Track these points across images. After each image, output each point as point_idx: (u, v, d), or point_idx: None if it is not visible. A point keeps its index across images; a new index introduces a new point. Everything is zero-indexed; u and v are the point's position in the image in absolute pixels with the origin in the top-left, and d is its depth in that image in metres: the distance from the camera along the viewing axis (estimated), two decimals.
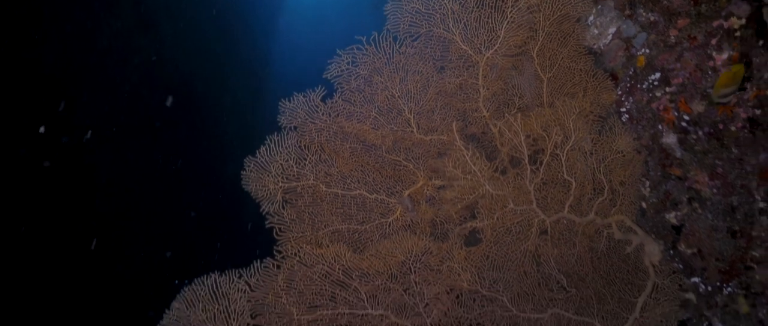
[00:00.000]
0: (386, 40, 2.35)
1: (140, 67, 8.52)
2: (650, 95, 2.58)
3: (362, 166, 2.55)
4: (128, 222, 7.89)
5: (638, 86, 2.63)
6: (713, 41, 2.26)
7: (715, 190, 2.51)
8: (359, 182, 2.54)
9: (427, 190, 2.70)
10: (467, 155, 2.38)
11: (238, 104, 12.29)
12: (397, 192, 2.63)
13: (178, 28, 9.49)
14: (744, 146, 2.29)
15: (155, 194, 8.65)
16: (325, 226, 2.44)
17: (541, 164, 2.53)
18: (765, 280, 2.34)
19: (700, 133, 2.43)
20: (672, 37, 2.42)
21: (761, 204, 2.32)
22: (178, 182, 9.47)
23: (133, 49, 8.43)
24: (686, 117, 2.45)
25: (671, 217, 2.75)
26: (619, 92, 2.72)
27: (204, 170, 10.34)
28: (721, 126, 2.34)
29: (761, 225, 2.34)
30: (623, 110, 2.73)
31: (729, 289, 2.56)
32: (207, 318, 2.12)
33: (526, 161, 2.49)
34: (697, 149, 2.50)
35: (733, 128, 2.31)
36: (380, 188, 2.58)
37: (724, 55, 2.25)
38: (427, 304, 2.45)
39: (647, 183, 2.78)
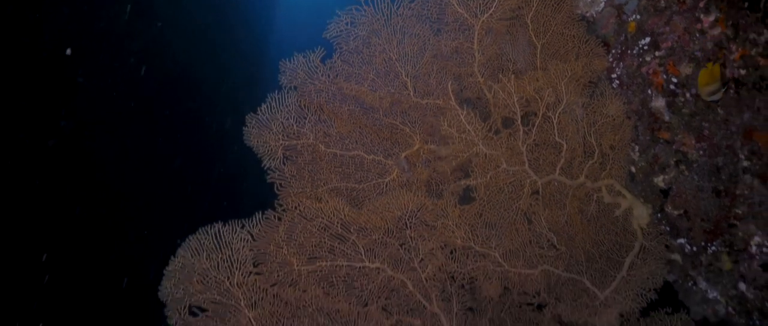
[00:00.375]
0: (384, 1, 2.42)
1: (138, 53, 8.54)
2: (640, 59, 2.66)
3: (360, 128, 2.62)
4: (123, 210, 7.90)
5: (629, 51, 2.71)
6: (701, 4, 2.34)
7: (701, 152, 2.59)
8: (357, 143, 2.62)
9: (423, 153, 2.78)
10: (462, 114, 2.46)
11: (235, 92, 12.29)
12: (394, 154, 2.71)
13: (175, 15, 9.51)
14: (729, 106, 2.38)
15: (151, 182, 8.66)
16: (324, 184, 2.52)
17: (533, 126, 2.61)
18: (747, 235, 2.44)
19: (688, 95, 2.52)
20: (662, 1, 2.50)
21: (745, 163, 2.41)
22: (174, 169, 9.50)
23: (131, 34, 8.44)
24: (674, 80, 2.53)
25: (659, 180, 2.84)
26: (611, 59, 2.81)
27: (200, 158, 10.37)
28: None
29: (744, 183, 2.43)
30: (614, 76, 2.81)
31: (713, 248, 2.65)
32: (211, 266, 2.20)
33: (519, 122, 2.58)
34: (685, 112, 2.58)
35: None
36: (377, 150, 2.65)
37: (712, 17, 2.33)
38: (421, 259, 2.53)
39: (636, 148, 2.87)
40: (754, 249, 2.43)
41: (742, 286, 2.50)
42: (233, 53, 12.54)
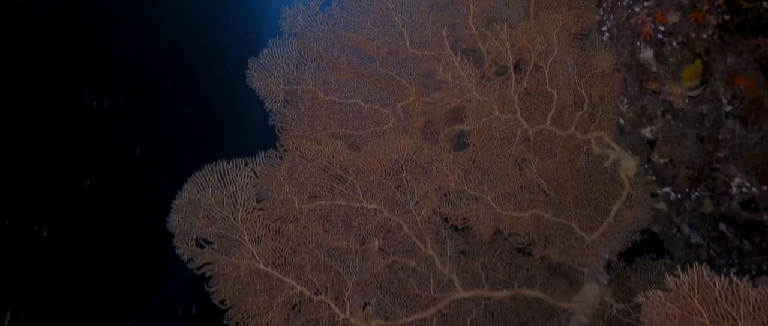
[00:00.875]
0: None
1: (132, 30, 8.54)
2: (629, 11, 2.75)
3: (358, 77, 2.72)
4: (115, 189, 7.95)
5: (619, 3, 2.80)
6: None
7: (686, 100, 2.69)
8: (355, 92, 2.72)
9: (419, 105, 2.88)
10: (456, 60, 2.55)
11: (230, 75, 12.19)
12: (390, 104, 2.81)
13: None
14: (714, 52, 2.47)
15: (145, 162, 8.67)
16: (323, 129, 2.62)
17: (524, 74, 2.71)
18: (727, 178, 2.55)
19: (675, 43, 2.61)
20: None
21: (727, 108, 2.51)
22: (167, 151, 9.51)
23: (126, 10, 8.43)
24: (662, 28, 2.62)
25: (646, 131, 2.95)
26: (602, 12, 2.89)
27: (193, 140, 10.36)
28: (693, 35, 2.52)
29: (727, 128, 2.53)
30: (605, 28, 2.90)
31: (696, 194, 2.77)
32: (216, 202, 2.31)
33: (511, 70, 2.67)
34: (672, 61, 2.68)
35: (704, 37, 2.49)
36: (375, 99, 2.75)
37: None
38: (417, 202, 2.65)
39: (625, 100, 2.97)
40: (734, 190, 2.54)
41: (723, 226, 2.63)
42: (227, 35, 12.47)
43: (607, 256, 3.08)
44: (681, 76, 2.66)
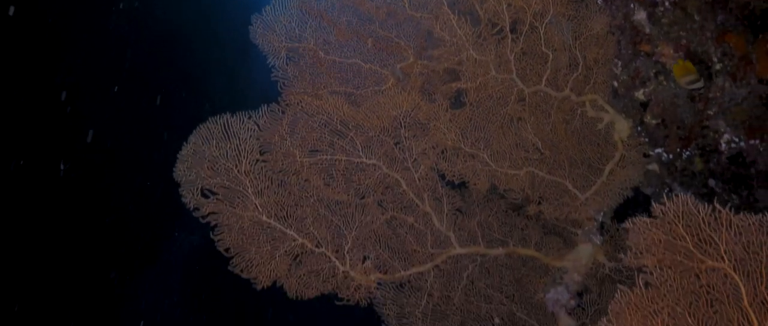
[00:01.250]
0: None
1: (125, 13, 8.51)
2: None
3: (358, 37, 2.78)
4: (112, 170, 7.98)
5: None
6: None
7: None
8: (355, 52, 2.78)
9: (417, 67, 2.94)
10: (453, 19, 2.61)
11: (226, 58, 12.17)
12: (389, 65, 2.87)
13: None
14: (704, 11, 2.54)
15: (141, 143, 8.66)
16: (324, 87, 2.69)
17: (520, 34, 2.77)
18: (717, 134, 2.63)
19: (667, 3, 2.67)
20: None
21: (717, 66, 2.58)
22: (161, 135, 9.49)
23: None
24: None
25: (640, 94, 3.02)
26: None
27: (190, 120, 10.32)
28: None
29: (717, 86, 2.60)
30: None
31: (687, 153, 2.85)
32: (220, 154, 2.38)
33: (507, 30, 2.73)
34: (664, 22, 2.74)
35: None
36: (374, 59, 2.82)
37: None
38: (415, 159, 2.72)
39: (619, 63, 3.03)
40: (723, 146, 2.62)
41: (712, 182, 2.71)
42: (225, 18, 12.40)
43: (600, 218, 3.16)
44: (675, 48, 2.73)
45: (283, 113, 2.47)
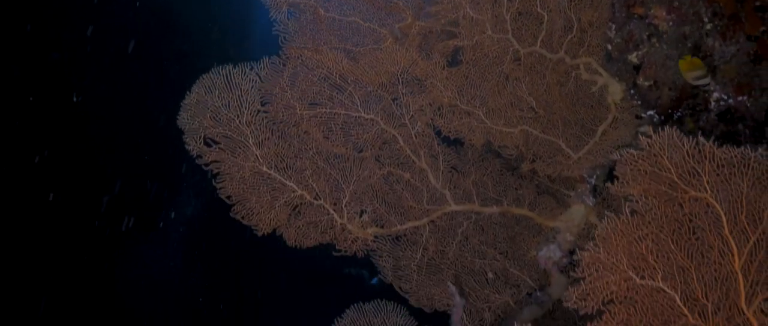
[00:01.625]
0: None
1: None
2: None
3: None
4: (109, 148, 7.98)
5: None
6: None
7: (671, 22, 2.82)
8: (354, 10, 2.83)
9: (415, 27, 3.00)
10: None
11: (225, 36, 12.09)
12: (388, 24, 2.92)
13: None
14: None
15: (138, 120, 8.63)
16: (324, 43, 2.74)
17: None
18: (706, 92, 2.70)
19: None
20: None
21: (708, 26, 2.65)
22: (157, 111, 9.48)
23: None
24: None
25: (633, 57, 3.08)
26: None
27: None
28: None
29: (707, 46, 2.67)
30: None
31: (678, 114, 2.92)
32: (222, 104, 2.44)
33: None
34: None
35: None
36: (373, 19, 2.87)
37: None
38: (412, 116, 2.78)
39: (613, 26, 3.09)
40: (712, 104, 2.69)
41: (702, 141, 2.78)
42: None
43: (594, 181, 3.24)
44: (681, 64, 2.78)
45: (283, 65, 2.52)
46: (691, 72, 2.65)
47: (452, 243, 2.91)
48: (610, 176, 3.24)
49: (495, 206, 3.03)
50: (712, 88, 2.71)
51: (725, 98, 2.62)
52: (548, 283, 3.08)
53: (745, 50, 2.50)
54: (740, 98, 2.56)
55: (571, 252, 3.22)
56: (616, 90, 3.17)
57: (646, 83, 3.02)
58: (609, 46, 3.15)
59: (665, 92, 2.94)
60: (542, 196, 3.17)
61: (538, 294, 3.00)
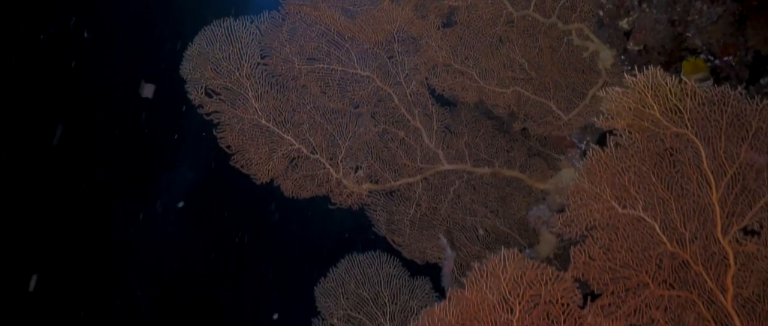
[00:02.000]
0: None
1: None
2: None
3: None
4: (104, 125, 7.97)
5: None
6: None
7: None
8: None
9: None
10: None
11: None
12: None
13: None
14: None
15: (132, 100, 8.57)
16: (322, 1, 2.79)
17: None
18: (694, 53, 2.78)
19: None
20: None
21: None
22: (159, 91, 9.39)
23: None
24: None
25: (624, 23, 3.16)
26: None
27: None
28: None
29: (696, 9, 2.75)
30: None
31: None
32: (223, 56, 2.49)
33: None
34: None
35: None
36: None
37: None
38: (407, 74, 2.85)
39: None
40: None
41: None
42: None
43: (584, 146, 3.33)
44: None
45: (283, 20, 2.58)
46: (695, 75, 2.73)
47: (444, 201, 3.00)
48: (601, 142, 3.33)
49: (486, 168, 3.11)
50: (699, 49, 2.79)
51: (712, 58, 2.71)
52: (537, 241, 3.17)
53: (731, 11, 2.58)
54: (726, 59, 2.64)
55: (561, 212, 3.31)
56: (606, 56, 3.25)
57: (636, 48, 3.10)
58: (600, 12, 3.22)
59: (654, 56, 3.02)
60: (533, 158, 3.26)
61: (528, 251, 3.10)
